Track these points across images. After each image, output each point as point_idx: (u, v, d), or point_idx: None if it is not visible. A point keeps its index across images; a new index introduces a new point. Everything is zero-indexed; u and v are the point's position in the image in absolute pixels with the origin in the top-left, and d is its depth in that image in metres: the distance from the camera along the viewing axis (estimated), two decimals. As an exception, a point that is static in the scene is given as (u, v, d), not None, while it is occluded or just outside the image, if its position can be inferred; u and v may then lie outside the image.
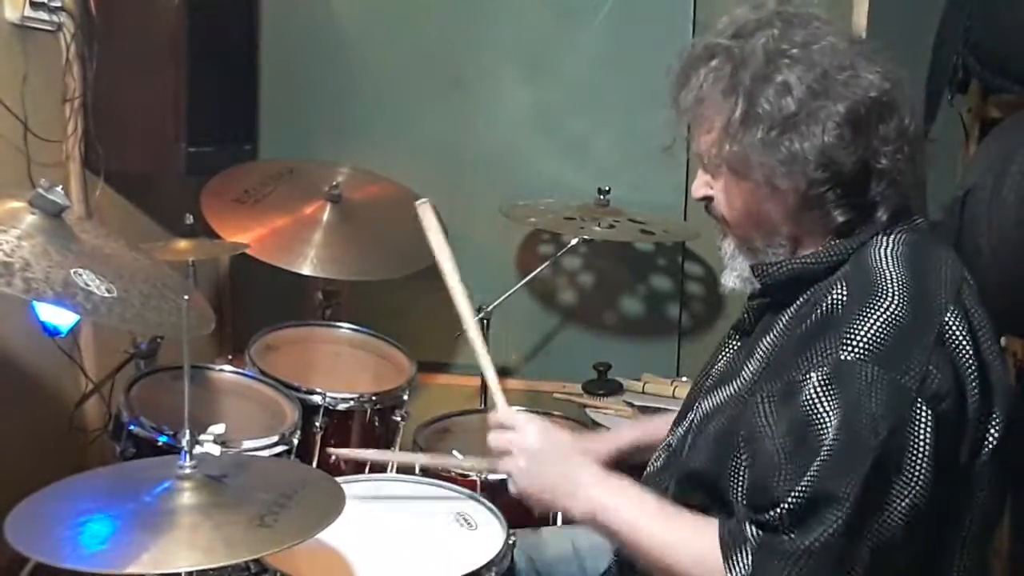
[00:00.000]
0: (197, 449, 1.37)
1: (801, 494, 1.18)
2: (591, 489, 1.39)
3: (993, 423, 1.26)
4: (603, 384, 2.67)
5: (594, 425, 2.43)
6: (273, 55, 2.98)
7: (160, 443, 1.84)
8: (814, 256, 1.33)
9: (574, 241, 2.63)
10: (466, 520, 1.75)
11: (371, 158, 2.90)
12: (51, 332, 2.19)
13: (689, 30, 2.87)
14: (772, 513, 1.20)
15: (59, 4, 2.37)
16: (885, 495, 1.17)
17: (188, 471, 1.35)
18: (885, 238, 1.31)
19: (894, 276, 1.25)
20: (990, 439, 1.26)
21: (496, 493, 1.94)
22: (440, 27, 3.01)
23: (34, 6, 2.30)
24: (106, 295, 1.49)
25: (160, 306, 1.59)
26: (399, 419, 2.35)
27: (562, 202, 2.78)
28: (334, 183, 2.66)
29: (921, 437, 1.17)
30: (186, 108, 2.49)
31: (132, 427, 1.87)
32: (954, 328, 1.23)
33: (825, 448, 1.17)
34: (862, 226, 1.32)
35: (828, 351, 1.21)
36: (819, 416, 1.18)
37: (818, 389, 1.19)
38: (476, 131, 3.03)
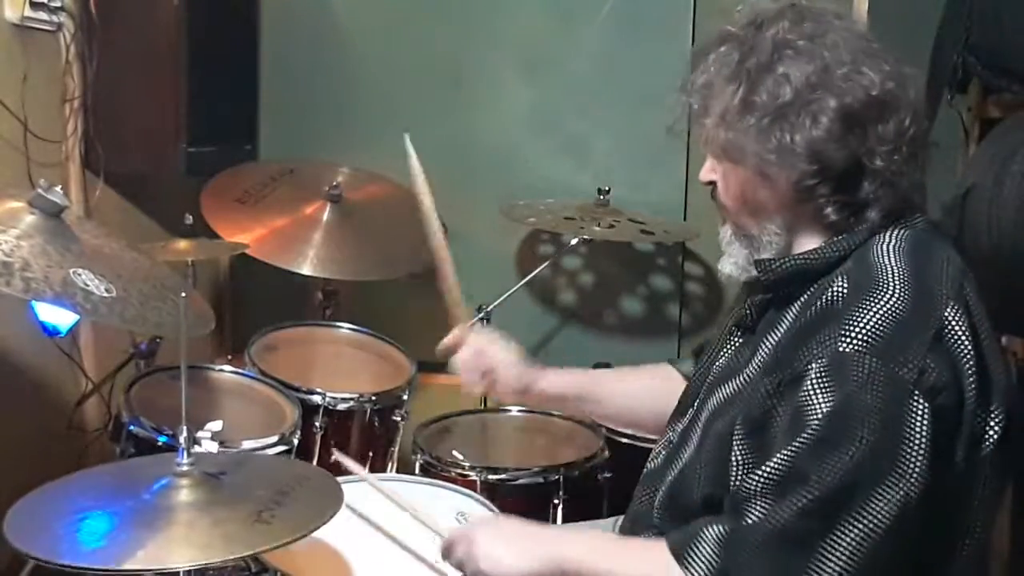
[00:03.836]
0: (195, 447, 1.37)
1: (770, 473, 1.20)
2: (551, 544, 1.39)
3: (993, 418, 1.25)
4: (603, 384, 2.66)
5: (594, 424, 2.42)
6: (273, 55, 2.97)
7: (160, 443, 1.83)
8: (816, 252, 1.34)
9: (574, 241, 2.63)
10: (466, 520, 1.75)
11: (371, 158, 2.89)
12: (50, 332, 2.19)
13: (689, 30, 2.87)
14: (746, 498, 1.21)
15: (59, 4, 2.37)
16: (874, 487, 1.16)
17: (186, 468, 1.35)
18: (887, 234, 1.31)
19: (896, 271, 1.25)
20: (991, 433, 1.25)
21: (496, 493, 1.95)
22: (440, 27, 3.01)
23: (34, 6, 2.30)
24: (105, 295, 1.49)
25: (159, 306, 1.60)
26: (399, 419, 2.35)
27: (562, 202, 2.78)
28: (334, 183, 2.65)
29: (917, 430, 1.17)
30: (186, 108, 2.49)
31: (132, 427, 1.87)
32: (954, 323, 1.23)
33: (807, 433, 1.18)
34: (856, 224, 1.32)
35: (827, 342, 1.21)
36: (811, 405, 1.19)
37: (815, 380, 1.20)
38: (476, 131, 3.03)
